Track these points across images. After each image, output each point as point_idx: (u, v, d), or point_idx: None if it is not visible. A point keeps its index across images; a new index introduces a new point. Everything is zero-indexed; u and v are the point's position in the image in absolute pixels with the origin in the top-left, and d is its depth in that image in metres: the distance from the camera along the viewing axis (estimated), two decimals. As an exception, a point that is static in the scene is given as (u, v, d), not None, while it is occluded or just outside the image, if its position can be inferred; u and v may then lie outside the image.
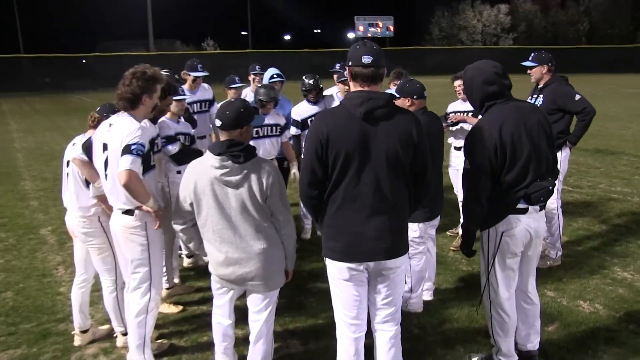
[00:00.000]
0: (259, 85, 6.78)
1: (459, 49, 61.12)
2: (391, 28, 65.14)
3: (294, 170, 6.81)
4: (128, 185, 3.78)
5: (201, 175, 3.57)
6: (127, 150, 3.82)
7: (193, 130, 6.20)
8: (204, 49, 63.49)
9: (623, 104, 24.08)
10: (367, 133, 3.19)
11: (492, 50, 60.03)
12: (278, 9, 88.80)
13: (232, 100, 3.70)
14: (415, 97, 4.85)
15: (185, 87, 7.14)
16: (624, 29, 65.78)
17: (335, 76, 7.80)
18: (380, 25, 64.88)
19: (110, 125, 4.07)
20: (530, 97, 6.28)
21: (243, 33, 76.57)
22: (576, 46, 60.18)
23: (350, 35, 74.26)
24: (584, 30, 66.70)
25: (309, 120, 7.07)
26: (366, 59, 3.22)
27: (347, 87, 7.02)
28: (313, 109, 7.16)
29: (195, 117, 7.10)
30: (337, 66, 8.02)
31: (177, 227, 3.80)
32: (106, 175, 4.09)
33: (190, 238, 3.85)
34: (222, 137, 3.60)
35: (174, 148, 5.60)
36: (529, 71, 6.13)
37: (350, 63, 3.28)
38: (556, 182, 5.69)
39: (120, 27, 73.05)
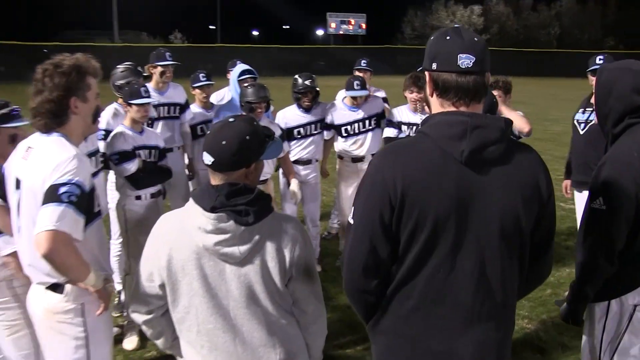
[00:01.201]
0: (246, 84, 5.44)
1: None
2: (363, 26, 64.02)
3: (294, 188, 5.66)
4: (51, 257, 2.31)
5: (180, 242, 2.14)
6: (52, 195, 2.38)
7: (163, 143, 4.89)
8: (172, 42, 61.36)
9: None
10: (470, 186, 1.91)
11: (464, 51, 59.34)
12: (246, 3, 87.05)
13: (232, 120, 2.21)
14: None
15: (152, 84, 5.70)
16: (593, 35, 65.92)
17: (361, 74, 6.63)
18: (353, 23, 63.67)
19: (29, 149, 2.60)
20: (581, 110, 5.14)
21: (211, 27, 74.80)
22: (547, 50, 60.00)
23: (320, 32, 73.15)
24: (555, 34, 66.59)
25: (295, 131, 5.93)
26: (465, 60, 1.91)
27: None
28: (304, 118, 5.98)
29: (161, 123, 5.73)
30: (363, 63, 6.95)
31: (139, 318, 2.31)
32: (19, 228, 2.63)
33: (159, 333, 2.36)
34: (216, 181, 2.19)
35: (130, 167, 4.31)
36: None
37: (434, 65, 1.98)
38: None
39: (83, 16, 70.32)
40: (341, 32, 63.85)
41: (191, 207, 2.17)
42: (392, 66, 48.42)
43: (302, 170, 6.11)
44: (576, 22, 66.71)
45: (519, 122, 5.14)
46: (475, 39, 1.97)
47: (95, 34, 59.62)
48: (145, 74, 5.66)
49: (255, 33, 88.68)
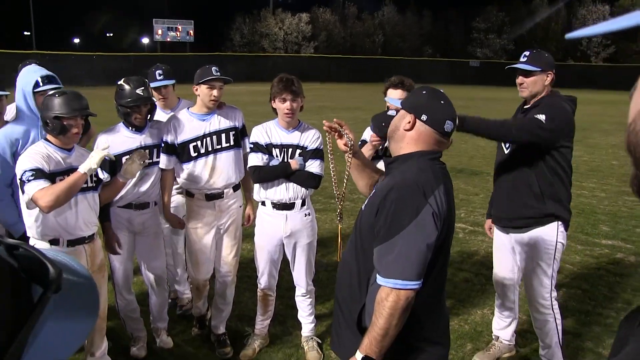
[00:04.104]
0: (53, 92, 3.77)
1: (262, 56, 60.16)
2: (191, 33, 62.23)
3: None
4: None
5: None
6: None
7: None
8: (-24, 48, 55.33)
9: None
10: None
11: (294, 58, 59.97)
12: (65, 10, 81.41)
13: None
14: (423, 117, 2.52)
15: None
16: (413, 43, 69.81)
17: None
18: (180, 30, 61.65)
19: None
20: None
21: (26, 33, 68.99)
22: (372, 56, 62.38)
23: (145, 40, 70.22)
24: (379, 42, 69.44)
25: (123, 158, 4.17)
26: None
27: (213, 93, 4.34)
28: (134, 141, 4.33)
29: None
30: (159, 74, 5.23)
31: None
32: None
33: None
34: None
35: None
36: (521, 80, 4.03)
37: None
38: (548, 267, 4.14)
39: None
40: (168, 39, 61.55)
41: None
42: (223, 74, 47.39)
43: (137, 216, 4.43)
44: (397, 31, 70.19)
45: None
46: None
47: None
48: None
49: (76, 41, 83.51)
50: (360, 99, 25.66)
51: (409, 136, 2.51)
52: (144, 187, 4.41)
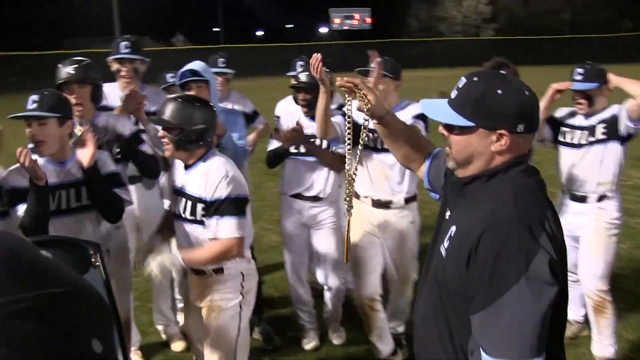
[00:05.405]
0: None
1: (439, 41, 58.97)
2: (368, 20, 62.67)
3: None
4: None
5: None
6: None
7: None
8: (174, 45, 60.45)
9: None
10: None
11: (473, 41, 58.10)
12: (250, 4, 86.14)
13: None
14: (520, 127, 1.79)
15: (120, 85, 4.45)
16: (608, 17, 63.92)
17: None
18: (357, 18, 62.33)
19: None
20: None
21: (215, 29, 74.02)
22: (558, 36, 58.51)
23: (323, 29, 71.94)
24: (567, 19, 64.93)
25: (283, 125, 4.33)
26: None
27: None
28: (307, 127, 4.06)
29: None
30: (299, 64, 4.91)
31: None
32: None
33: None
34: None
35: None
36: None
37: None
38: None
39: (87, 23, 69.53)
40: (346, 28, 62.50)
41: None
42: (400, 59, 47.14)
43: (307, 209, 4.21)
44: (588, 5, 64.82)
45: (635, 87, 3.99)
46: None
47: (100, 40, 58.85)
48: None
49: (259, 33, 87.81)
50: (541, 84, 23.82)
51: (494, 152, 1.82)
52: (313, 177, 4.19)
